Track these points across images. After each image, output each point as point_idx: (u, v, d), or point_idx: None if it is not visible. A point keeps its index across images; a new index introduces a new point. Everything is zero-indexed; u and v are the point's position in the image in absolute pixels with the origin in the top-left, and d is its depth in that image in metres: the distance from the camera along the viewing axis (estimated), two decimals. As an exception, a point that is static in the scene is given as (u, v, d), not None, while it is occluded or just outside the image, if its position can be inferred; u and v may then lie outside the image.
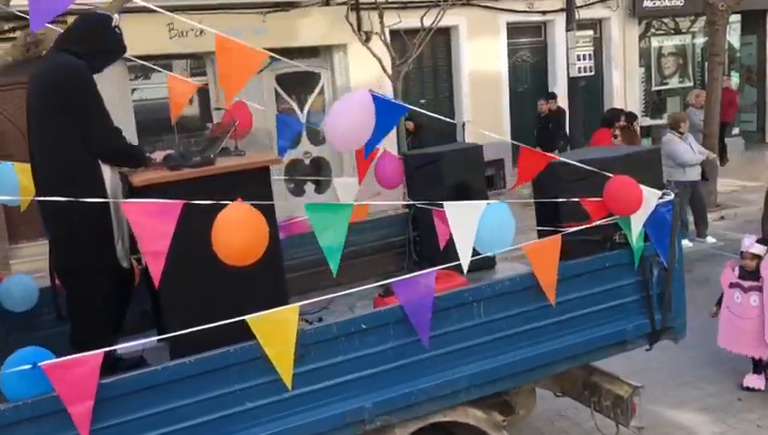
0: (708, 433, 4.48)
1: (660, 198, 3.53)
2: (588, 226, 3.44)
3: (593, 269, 3.48)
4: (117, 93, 10.66)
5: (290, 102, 12.01)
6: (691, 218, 8.71)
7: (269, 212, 3.03)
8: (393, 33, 10.36)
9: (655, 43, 14.73)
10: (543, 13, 13.03)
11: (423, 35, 9.20)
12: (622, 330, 3.57)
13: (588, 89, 13.46)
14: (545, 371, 3.49)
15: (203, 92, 11.50)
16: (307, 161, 12.16)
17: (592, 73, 12.85)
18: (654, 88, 14.79)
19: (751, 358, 4.98)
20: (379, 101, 3.23)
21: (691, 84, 14.67)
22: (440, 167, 4.54)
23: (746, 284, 4.88)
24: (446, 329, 3.16)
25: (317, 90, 12.10)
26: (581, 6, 11.74)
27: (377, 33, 9.52)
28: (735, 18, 14.61)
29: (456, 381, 3.18)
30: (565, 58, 10.90)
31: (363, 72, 11.16)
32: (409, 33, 9.64)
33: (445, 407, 3.23)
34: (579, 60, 9.79)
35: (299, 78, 11.98)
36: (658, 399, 4.83)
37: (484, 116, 12.50)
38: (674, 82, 15.00)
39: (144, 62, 5.58)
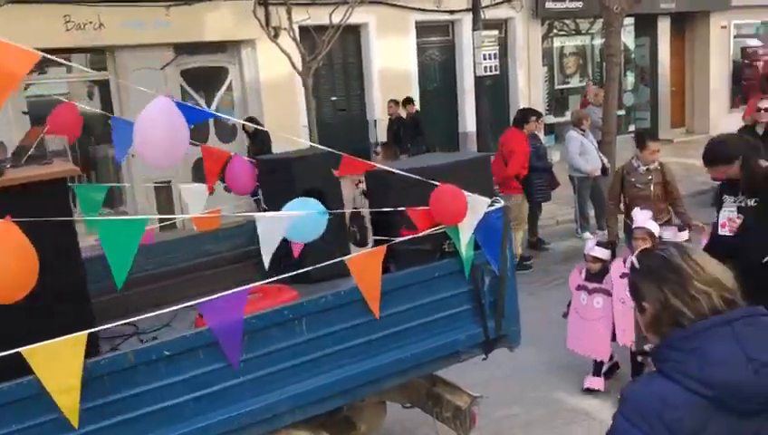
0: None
1: (490, 205, 3.44)
2: (417, 235, 3.36)
3: (422, 280, 3.36)
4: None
5: (196, 99, 11.68)
6: (592, 213, 9.09)
7: (64, 231, 2.72)
8: (302, 29, 10.27)
9: (557, 43, 15.30)
10: (451, 12, 13.27)
11: (332, 32, 9.16)
12: (455, 340, 3.47)
13: (494, 87, 13.82)
14: (374, 387, 3.31)
15: (104, 87, 11.04)
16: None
17: (498, 72, 13.18)
18: (556, 87, 15.36)
19: (593, 360, 4.97)
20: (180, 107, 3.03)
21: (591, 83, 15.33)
22: (292, 172, 4.24)
23: (591, 286, 4.89)
24: (264, 350, 2.92)
25: (225, 86, 11.84)
26: (487, 6, 12.02)
27: (285, 28, 9.40)
28: (629, 21, 15.38)
29: (277, 404, 2.95)
30: (472, 57, 11.14)
31: (272, 68, 11.02)
32: (319, 30, 9.58)
33: (266, 432, 2.98)
34: (485, 59, 10.01)
35: (206, 74, 11.69)
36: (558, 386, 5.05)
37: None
38: (575, 82, 15.63)
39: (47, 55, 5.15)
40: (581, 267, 5.05)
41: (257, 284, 3.00)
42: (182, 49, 11.12)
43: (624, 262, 4.77)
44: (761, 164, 4.12)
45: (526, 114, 8.46)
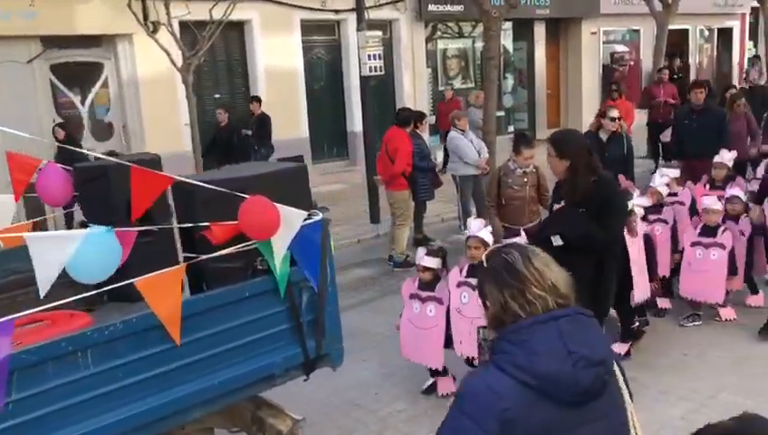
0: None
1: (307, 218, 3.25)
2: (224, 252, 3.10)
3: (229, 301, 3.12)
4: None
5: (69, 96, 11.05)
6: (474, 210, 9.39)
7: None
8: (183, 24, 9.95)
9: (440, 45, 15.68)
10: (336, 12, 13.29)
11: (213, 28, 8.93)
12: (270, 363, 3.27)
13: (380, 88, 13.98)
14: (179, 418, 3.06)
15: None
16: (91, 159, 11.26)
17: (383, 73, 13.33)
18: (440, 88, 15.74)
19: (428, 369, 5.00)
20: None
21: (473, 85, 15.83)
22: (108, 181, 3.78)
23: (424, 294, 4.88)
24: (39, 388, 2.58)
25: (100, 82, 11.26)
26: (371, 7, 12.12)
27: (164, 23, 9.07)
28: (508, 26, 16.02)
29: None
30: (357, 57, 11.19)
31: (151, 64, 10.59)
32: (200, 26, 9.31)
33: None
34: (370, 59, 10.07)
35: (79, 69, 11.08)
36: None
37: (281, 112, 12.47)
38: (458, 83, 16.09)
39: None
40: (415, 277, 5.08)
41: (34, 311, 2.64)
42: (51, 42, 10.46)
43: (460, 271, 4.86)
44: (588, 178, 4.15)
45: (408, 114, 8.66)
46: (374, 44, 10.19)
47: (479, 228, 4.91)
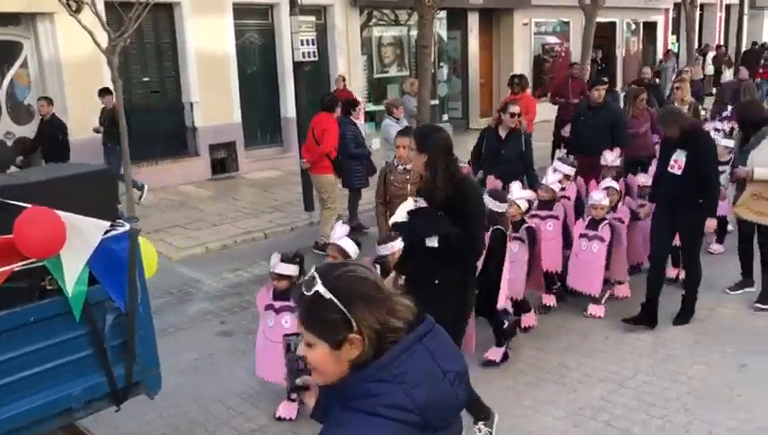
0: None
1: (110, 229, 2.89)
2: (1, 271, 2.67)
3: (9, 328, 2.71)
4: None
5: (-15, 75, 10.52)
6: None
7: None
8: (108, 4, 9.59)
9: (376, 32, 15.65)
10: (269, -5, 13.07)
11: (140, 9, 8.63)
12: (66, 396, 2.87)
13: (314, 74, 13.86)
14: None
15: None
16: (9, 142, 10.78)
17: (316, 59, 13.17)
18: (375, 75, 15.74)
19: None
20: None
21: (407, 73, 15.89)
22: None
23: (278, 304, 4.52)
24: None
25: (19, 62, 10.75)
26: (306, -8, 11.97)
27: (87, 3, 8.70)
28: (443, 15, 16.13)
29: None
30: (290, 42, 11.02)
31: (74, 45, 10.17)
32: (126, 7, 8.98)
33: None
34: (303, 45, 9.95)
35: (-4, 48, 10.55)
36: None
37: (212, 97, 12.21)
38: (393, 71, 16.12)
39: None
40: (269, 286, 4.64)
41: None
42: (-35, 19, 9.92)
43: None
44: (446, 179, 3.83)
45: (334, 99, 8.69)
46: (307, 30, 10.10)
47: (341, 235, 4.47)
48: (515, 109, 7.10)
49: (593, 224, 6.04)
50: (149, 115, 11.92)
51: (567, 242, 6.24)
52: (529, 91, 11.51)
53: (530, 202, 5.81)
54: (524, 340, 5.68)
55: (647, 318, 5.73)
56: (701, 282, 5.84)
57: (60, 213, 2.69)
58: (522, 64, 18.28)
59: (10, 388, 2.70)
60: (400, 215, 4.02)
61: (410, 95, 11.18)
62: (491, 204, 5.07)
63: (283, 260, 4.49)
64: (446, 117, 16.83)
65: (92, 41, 8.30)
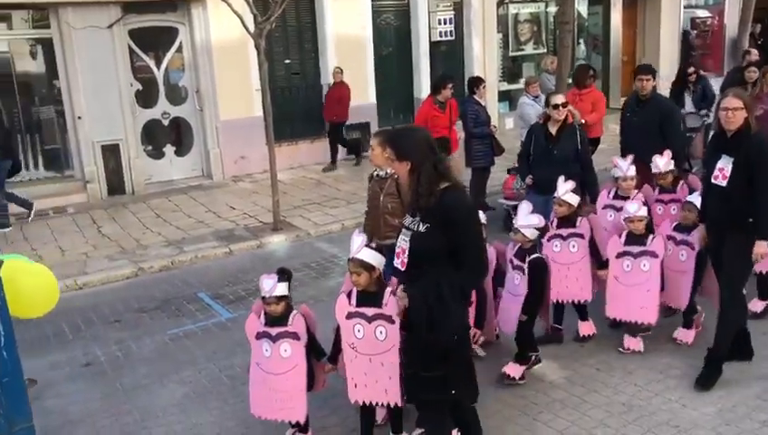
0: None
1: None
2: None
3: None
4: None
5: (145, 60, 11.35)
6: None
7: None
8: (255, -11, 10.01)
9: (512, 10, 15.30)
10: (407, -24, 13.11)
11: (285, -7, 8.94)
12: None
13: (449, 53, 13.79)
14: None
15: (47, 46, 10.62)
16: (166, 122, 11.61)
17: (453, 38, 13.13)
18: (511, 54, 15.41)
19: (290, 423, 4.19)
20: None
21: (544, 51, 15.42)
22: None
23: (275, 331, 3.99)
24: None
25: (174, 47, 11.52)
26: (443, -29, 11.92)
27: (237, -12, 9.13)
28: (584, -11, 15.48)
29: None
30: (427, 22, 11.03)
31: (224, 29, 10.77)
32: (272, -9, 9.34)
33: None
34: (440, 24, 9.96)
35: (155, 34, 11.35)
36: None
37: (349, 78, 12.46)
38: (529, 48, 15.70)
39: None
40: (257, 309, 4.10)
41: None
42: (130, 7, 10.75)
43: (348, 298, 3.84)
44: (432, 183, 3.24)
45: (439, 81, 8.67)
46: (445, 9, 10.04)
47: (359, 247, 3.74)
48: (558, 99, 6.09)
49: (634, 239, 4.99)
50: (290, 96, 12.41)
51: (598, 261, 5.20)
52: (595, 84, 9.84)
53: (541, 229, 4.87)
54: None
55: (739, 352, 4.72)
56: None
57: None
58: (669, 40, 17.18)
59: None
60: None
61: (548, 73, 10.87)
62: (526, 231, 4.69)
63: (279, 280, 3.94)
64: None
65: (241, 24, 8.71)
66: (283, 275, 3.98)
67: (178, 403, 4.89)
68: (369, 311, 3.78)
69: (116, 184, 10.98)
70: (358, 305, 3.82)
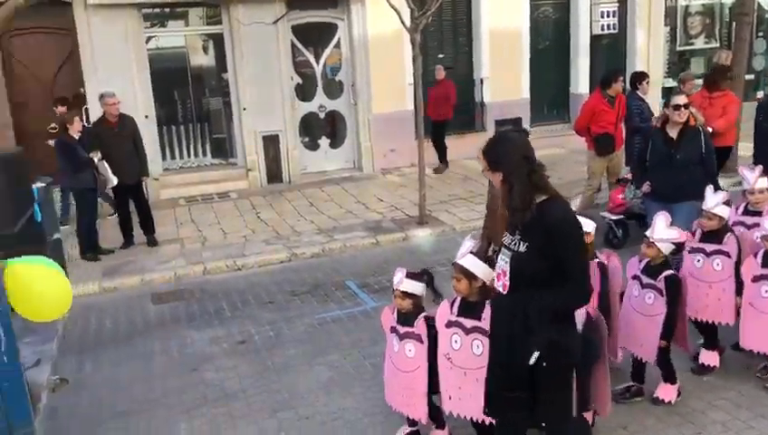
0: None
1: None
2: None
3: None
4: (131, 42, 10.55)
5: (306, 55, 11.84)
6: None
7: None
8: (412, -16, 10.10)
9: (682, 1, 14.30)
10: (568, -33, 12.66)
11: (443, -13, 8.95)
12: None
13: (611, 47, 13.15)
14: None
15: (218, 41, 11.38)
16: (322, 115, 12.05)
17: (616, 31, 12.49)
18: (678, 48, 14.43)
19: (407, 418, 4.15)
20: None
21: (717, 45, 14.29)
22: None
23: (402, 330, 3.98)
24: None
25: (333, 42, 11.91)
26: (608, -39, 11.37)
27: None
28: (766, -23, 14.14)
29: None
30: (588, 14, 10.59)
31: (380, 23, 10.97)
32: (429, -15, 9.38)
33: None
34: (602, 17, 9.54)
35: (316, 29, 11.80)
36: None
37: (502, 73, 12.27)
38: (699, 43, 14.61)
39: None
40: (393, 305, 4.04)
41: None
42: (294, 4, 11.25)
43: (451, 306, 3.76)
44: (527, 196, 2.97)
45: (610, 75, 8.19)
46: (609, 1, 9.57)
47: (464, 253, 3.62)
48: (679, 99, 5.61)
49: None
50: (442, 90, 12.42)
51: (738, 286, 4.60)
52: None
53: (678, 245, 4.43)
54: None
55: None
56: None
57: None
58: None
59: None
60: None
61: (721, 70, 10.05)
62: (662, 245, 4.24)
63: (407, 276, 3.90)
64: (760, 93, 14.81)
65: (398, 19, 8.82)
66: (422, 275, 3.92)
67: (324, 386, 5.05)
68: (468, 322, 3.65)
69: (274, 173, 11.56)
70: (458, 315, 3.70)
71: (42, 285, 2.53)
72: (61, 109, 9.37)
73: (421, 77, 9.17)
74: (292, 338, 5.96)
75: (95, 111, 9.55)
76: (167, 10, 11.16)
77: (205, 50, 11.82)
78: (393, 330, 4.03)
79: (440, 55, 12.48)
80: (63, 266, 4.32)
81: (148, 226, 8.67)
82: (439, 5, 9.14)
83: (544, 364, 3.04)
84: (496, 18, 12.32)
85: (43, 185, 4.35)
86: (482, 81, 12.50)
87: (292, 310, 6.59)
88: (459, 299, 3.74)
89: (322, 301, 6.77)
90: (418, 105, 9.13)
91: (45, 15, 10.12)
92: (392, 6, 8.73)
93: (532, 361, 3.02)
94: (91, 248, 8.25)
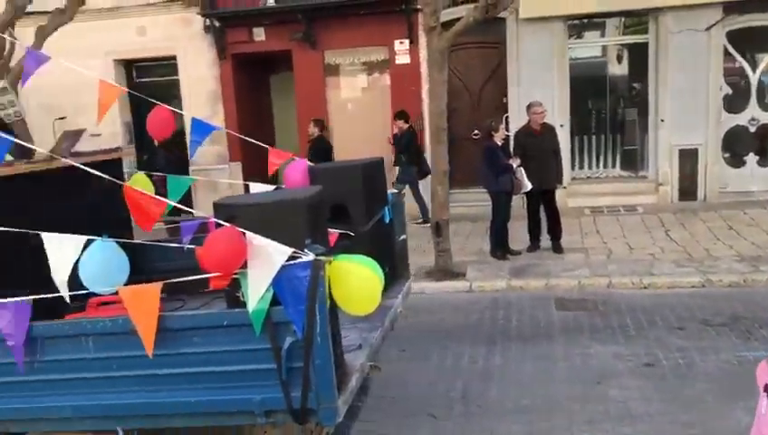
0: None
1: (293, 257, 2.92)
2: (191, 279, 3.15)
3: (206, 326, 3.10)
4: (554, 52, 10.93)
5: (740, 62, 10.74)
6: None
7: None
8: None
9: None
10: None
11: None
12: (247, 399, 3.12)
13: None
14: (152, 421, 3.27)
15: (637, 51, 11.03)
16: (752, 129, 10.80)
17: None
18: None
19: None
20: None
21: None
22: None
23: None
24: (52, 357, 3.19)
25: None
26: None
27: None
28: None
29: (62, 408, 3.24)
30: None
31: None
32: None
33: (53, 430, 3.35)
34: None
35: (752, 34, 10.61)
36: None
37: None
38: None
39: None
40: None
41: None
42: (732, 8, 10.28)
43: None
44: None
45: None
46: None
47: None
48: None
49: None
50: None
51: None
52: None
53: None
54: None
55: None
56: None
57: (249, 235, 2.98)
58: None
59: (205, 377, 3.16)
60: None
61: None
62: None
63: None
64: None
65: None
66: None
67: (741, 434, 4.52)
68: None
69: (688, 189, 10.80)
70: None
71: (357, 282, 3.08)
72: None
73: None
74: (705, 371, 5.46)
75: (516, 120, 10.14)
76: (585, 21, 11.25)
77: (618, 60, 11.60)
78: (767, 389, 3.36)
79: None
80: (405, 266, 5.15)
81: (556, 232, 8.88)
82: None
83: None
84: None
85: (396, 191, 5.13)
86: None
87: (706, 340, 6.04)
88: None
89: (743, 337, 6.06)
90: None
91: (478, 30, 11.10)
92: None
93: None
94: (500, 247, 8.80)
